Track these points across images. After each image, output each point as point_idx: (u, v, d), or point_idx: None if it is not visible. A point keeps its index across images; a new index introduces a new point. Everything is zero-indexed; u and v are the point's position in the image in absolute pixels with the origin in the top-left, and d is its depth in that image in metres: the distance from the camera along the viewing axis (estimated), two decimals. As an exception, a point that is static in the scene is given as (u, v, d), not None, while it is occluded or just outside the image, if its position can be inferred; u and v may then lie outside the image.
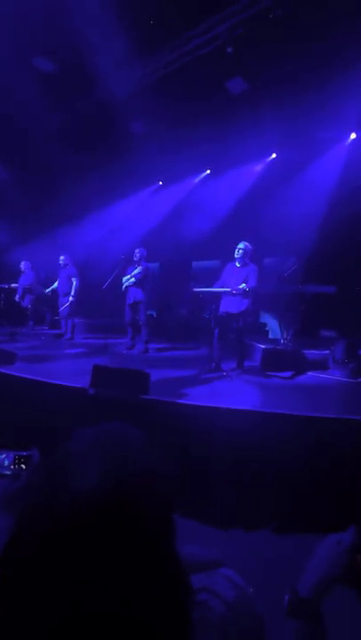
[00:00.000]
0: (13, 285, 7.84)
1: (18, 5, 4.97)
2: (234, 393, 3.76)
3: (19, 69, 6.01)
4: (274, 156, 7.78)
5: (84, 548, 0.37)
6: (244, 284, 4.47)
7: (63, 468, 0.42)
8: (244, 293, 4.48)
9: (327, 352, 5.14)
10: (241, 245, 4.65)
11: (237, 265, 4.68)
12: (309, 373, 4.80)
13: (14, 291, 7.76)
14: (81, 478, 0.40)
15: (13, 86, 6.22)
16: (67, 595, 0.36)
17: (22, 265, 7.68)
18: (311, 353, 5.18)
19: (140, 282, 5.78)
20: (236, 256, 4.65)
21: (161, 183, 9.46)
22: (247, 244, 4.67)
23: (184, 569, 0.44)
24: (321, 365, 5.01)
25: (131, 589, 0.38)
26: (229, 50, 5.46)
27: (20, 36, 5.43)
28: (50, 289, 7.24)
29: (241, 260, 4.64)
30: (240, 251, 4.61)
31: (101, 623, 0.36)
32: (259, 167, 7.97)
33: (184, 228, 8.78)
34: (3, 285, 8.26)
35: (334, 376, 4.74)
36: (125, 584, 0.38)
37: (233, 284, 4.52)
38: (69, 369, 4.34)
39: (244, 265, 4.65)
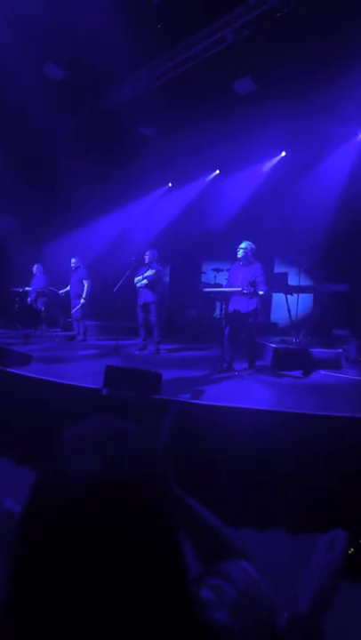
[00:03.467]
0: (27, 289, 7.98)
1: (27, 14, 5.07)
2: (246, 392, 3.75)
3: (29, 78, 6.12)
4: (283, 154, 7.72)
5: (84, 539, 0.38)
6: (261, 292, 4.50)
7: (57, 460, 0.43)
8: (252, 293, 4.49)
9: (340, 351, 5.09)
10: (243, 245, 4.69)
11: (241, 264, 4.71)
12: (322, 372, 4.75)
13: (28, 294, 7.89)
14: (74, 468, 0.41)
15: (26, 95, 6.34)
16: (70, 588, 0.38)
17: (35, 268, 7.81)
18: (324, 352, 5.13)
19: (151, 284, 5.82)
20: (238, 256, 4.69)
21: (170, 185, 9.50)
22: (249, 243, 4.71)
23: (185, 562, 0.44)
24: (334, 364, 4.96)
25: (130, 579, 0.39)
26: (237, 50, 5.45)
27: (29, 44, 5.54)
28: (63, 291, 7.34)
29: (244, 259, 4.67)
30: (241, 251, 4.66)
31: (104, 615, 0.38)
32: (268, 166, 7.93)
33: (194, 230, 8.79)
34: (17, 289, 8.41)
35: (348, 375, 4.68)
36: (125, 574, 0.39)
37: (240, 284, 4.53)
38: (82, 370, 4.39)
39: (248, 264, 4.68)
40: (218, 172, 8.74)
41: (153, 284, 5.83)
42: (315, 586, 0.60)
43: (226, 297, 4.73)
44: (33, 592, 0.39)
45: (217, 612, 0.47)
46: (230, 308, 4.63)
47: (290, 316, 5.98)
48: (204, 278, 8.91)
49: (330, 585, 0.61)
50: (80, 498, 0.40)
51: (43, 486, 0.43)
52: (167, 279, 9.41)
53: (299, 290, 6.12)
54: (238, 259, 4.72)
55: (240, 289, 4.44)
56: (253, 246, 4.71)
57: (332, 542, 0.65)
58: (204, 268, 9.04)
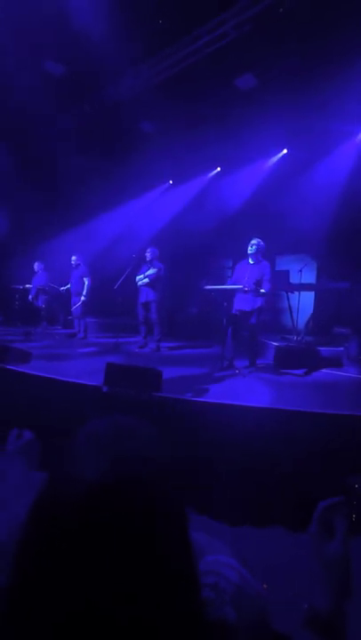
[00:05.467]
0: (27, 286, 7.98)
1: (27, 9, 5.04)
2: (246, 390, 3.74)
3: (29, 74, 6.09)
4: (285, 151, 7.69)
5: (91, 536, 0.38)
6: (263, 290, 4.46)
7: (69, 457, 0.43)
8: (257, 292, 4.46)
9: (341, 349, 5.07)
10: (254, 241, 4.63)
11: (250, 262, 4.67)
12: (324, 371, 4.74)
13: (29, 291, 7.89)
14: (86, 466, 0.41)
15: (25, 92, 6.31)
16: (75, 587, 0.37)
17: (35, 266, 7.80)
18: (325, 350, 5.12)
19: (153, 282, 5.81)
20: (249, 252, 4.64)
21: (171, 182, 9.46)
22: (260, 240, 4.65)
23: (195, 564, 0.44)
24: (335, 362, 4.95)
25: (138, 581, 0.38)
26: (239, 46, 5.41)
27: (29, 40, 5.50)
28: (64, 288, 7.33)
29: (254, 256, 4.63)
30: (253, 247, 4.60)
31: (108, 616, 0.37)
32: (270, 163, 7.89)
33: (195, 227, 8.77)
34: (17, 286, 8.40)
35: (349, 373, 4.67)
36: (132, 576, 0.38)
37: (246, 282, 4.50)
38: (83, 367, 4.39)
39: (257, 262, 4.63)
40: (219, 169, 8.70)
41: (154, 282, 5.82)
42: (330, 575, 0.55)
43: (228, 295, 4.71)
44: (37, 589, 0.38)
45: (219, 610, 0.47)
46: (235, 307, 4.61)
47: (291, 314, 5.97)
48: (206, 276, 8.89)
49: (345, 572, 0.56)
50: (91, 497, 0.39)
51: (55, 484, 0.43)
52: (168, 276, 9.40)
53: (300, 288, 6.10)
54: (248, 255, 4.66)
55: (241, 286, 4.42)
56: (263, 244, 4.66)
57: (328, 522, 0.61)
58: (204, 266, 9.01)
